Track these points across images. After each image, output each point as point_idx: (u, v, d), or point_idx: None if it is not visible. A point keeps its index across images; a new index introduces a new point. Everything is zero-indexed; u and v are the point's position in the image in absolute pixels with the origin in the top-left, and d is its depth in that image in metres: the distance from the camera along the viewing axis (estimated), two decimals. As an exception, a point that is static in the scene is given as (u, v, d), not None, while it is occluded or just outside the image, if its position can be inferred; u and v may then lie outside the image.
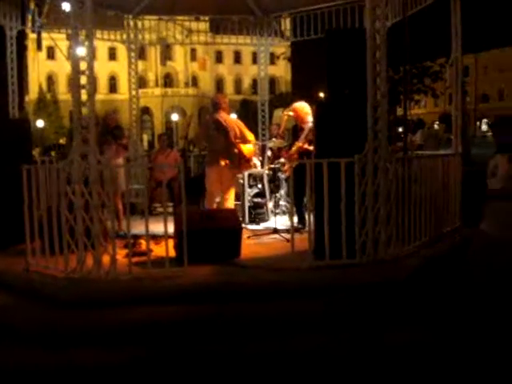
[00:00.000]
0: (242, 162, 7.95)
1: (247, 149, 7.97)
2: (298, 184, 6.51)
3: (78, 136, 5.62)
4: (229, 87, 79.73)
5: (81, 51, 5.74)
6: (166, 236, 5.82)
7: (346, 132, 6.13)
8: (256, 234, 8.00)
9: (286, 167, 8.65)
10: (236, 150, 7.84)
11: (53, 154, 33.47)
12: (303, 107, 8.25)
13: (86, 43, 5.60)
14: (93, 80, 5.65)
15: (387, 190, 5.95)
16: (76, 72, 5.64)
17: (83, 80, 5.67)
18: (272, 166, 9.37)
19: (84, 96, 5.69)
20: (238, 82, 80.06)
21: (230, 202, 8.07)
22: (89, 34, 5.62)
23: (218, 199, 8.04)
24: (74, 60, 5.67)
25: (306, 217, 8.08)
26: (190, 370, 4.80)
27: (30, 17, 11.21)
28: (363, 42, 6.09)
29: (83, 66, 5.66)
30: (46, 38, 23.98)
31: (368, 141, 5.95)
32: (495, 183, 4.63)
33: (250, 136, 8.05)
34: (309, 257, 5.98)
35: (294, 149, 8.17)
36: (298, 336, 5.11)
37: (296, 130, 8.40)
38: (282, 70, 72.15)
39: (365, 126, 5.99)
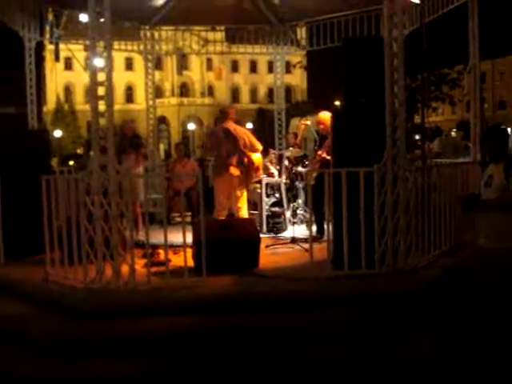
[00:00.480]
0: (251, 171, 7.95)
1: (256, 158, 7.97)
2: (319, 194, 6.49)
3: (97, 146, 5.64)
4: (245, 96, 79.94)
5: (98, 62, 5.77)
6: (184, 246, 5.82)
7: (363, 141, 6.09)
8: (274, 243, 7.97)
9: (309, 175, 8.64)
10: (246, 159, 7.85)
11: (70, 163, 33.71)
12: (328, 116, 8.23)
13: (105, 54, 5.62)
14: (111, 91, 5.68)
15: (407, 200, 5.90)
16: (94, 83, 5.66)
17: (101, 91, 5.70)
18: (293, 170, 9.34)
19: (102, 106, 5.72)
20: (253, 91, 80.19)
21: (244, 211, 8.05)
22: (107, 46, 5.64)
23: (226, 210, 8.04)
24: (92, 71, 5.70)
25: (325, 227, 8.06)
26: (208, 381, 4.79)
27: (47, 28, 11.33)
28: (380, 50, 6.07)
29: (101, 77, 5.69)
30: (64, 49, 24.17)
31: (387, 149, 5.91)
32: (490, 193, 4.61)
33: (259, 145, 8.05)
34: (328, 267, 5.94)
35: (317, 158, 8.23)
36: (317, 346, 5.07)
37: (322, 139, 8.40)
38: (297, 79, 72.23)
39: (382, 135, 5.95)
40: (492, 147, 4.76)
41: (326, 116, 8.27)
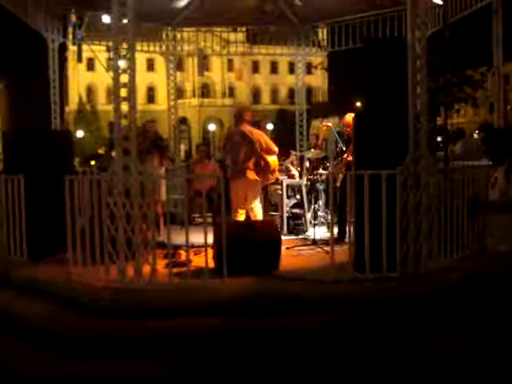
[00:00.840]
0: (267, 173, 7.95)
1: (272, 160, 7.97)
2: (344, 196, 6.46)
3: (120, 147, 5.67)
4: (265, 97, 79.86)
5: (121, 63, 5.81)
6: (205, 247, 5.83)
7: (385, 142, 6.05)
8: (295, 245, 7.96)
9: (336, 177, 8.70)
10: (262, 162, 7.85)
11: (92, 163, 33.95)
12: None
13: (128, 56, 5.66)
14: (134, 92, 5.71)
15: (429, 203, 5.86)
16: (117, 84, 5.70)
17: (123, 92, 5.73)
18: (310, 176, 9.34)
19: (124, 107, 5.75)
20: (274, 92, 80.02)
21: (257, 212, 8.05)
22: (130, 47, 5.67)
23: (244, 211, 8.09)
24: (116, 72, 5.73)
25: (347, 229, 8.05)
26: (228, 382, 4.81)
27: (70, 29, 11.45)
28: (402, 51, 6.05)
29: (124, 78, 5.72)
30: (86, 50, 24.40)
31: (409, 152, 5.87)
32: (494, 195, 4.63)
33: (274, 147, 8.03)
34: (349, 269, 5.92)
35: (343, 161, 8.29)
36: (337, 349, 5.06)
37: (348, 142, 8.38)
38: (318, 80, 71.94)
39: (405, 136, 5.93)
40: (489, 151, 4.78)
41: (351, 118, 8.24)
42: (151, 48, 13.07)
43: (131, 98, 5.68)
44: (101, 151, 55.73)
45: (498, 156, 4.69)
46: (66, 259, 6.27)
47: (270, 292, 5.72)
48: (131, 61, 5.66)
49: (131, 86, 5.64)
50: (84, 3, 10.34)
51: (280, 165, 9.12)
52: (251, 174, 7.83)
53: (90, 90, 72.33)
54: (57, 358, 5.09)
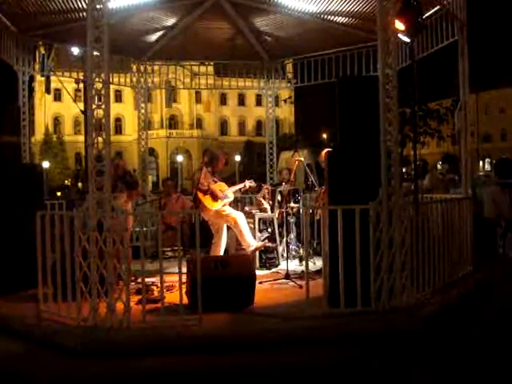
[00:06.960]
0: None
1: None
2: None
3: (93, 183, 5.60)
4: (233, 129, 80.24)
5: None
6: (180, 283, 5.76)
7: (358, 178, 6.13)
8: (268, 279, 7.92)
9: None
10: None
11: (58, 194, 33.55)
12: None
13: (103, 92, 5.63)
14: (108, 127, 5.67)
15: (402, 237, 5.92)
16: (92, 119, 5.65)
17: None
18: (282, 209, 9.37)
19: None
20: (241, 124, 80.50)
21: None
22: (105, 84, 5.65)
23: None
24: (90, 107, 5.69)
25: (317, 262, 8.10)
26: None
27: (38, 60, 11.41)
28: (373, 88, 6.16)
29: (99, 113, 5.67)
30: (54, 80, 24.26)
31: (382, 187, 5.94)
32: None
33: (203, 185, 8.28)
34: (323, 304, 5.92)
35: (319, 196, 8.45)
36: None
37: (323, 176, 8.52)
38: (286, 112, 72.75)
39: (376, 172, 6.01)
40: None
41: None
42: (121, 80, 13.05)
43: (105, 133, 5.63)
44: (67, 182, 55.16)
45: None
46: (35, 295, 6.13)
47: (245, 330, 5.65)
48: (106, 97, 5.63)
49: (106, 122, 5.61)
50: (53, 36, 10.32)
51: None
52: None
53: (57, 121, 71.70)
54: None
